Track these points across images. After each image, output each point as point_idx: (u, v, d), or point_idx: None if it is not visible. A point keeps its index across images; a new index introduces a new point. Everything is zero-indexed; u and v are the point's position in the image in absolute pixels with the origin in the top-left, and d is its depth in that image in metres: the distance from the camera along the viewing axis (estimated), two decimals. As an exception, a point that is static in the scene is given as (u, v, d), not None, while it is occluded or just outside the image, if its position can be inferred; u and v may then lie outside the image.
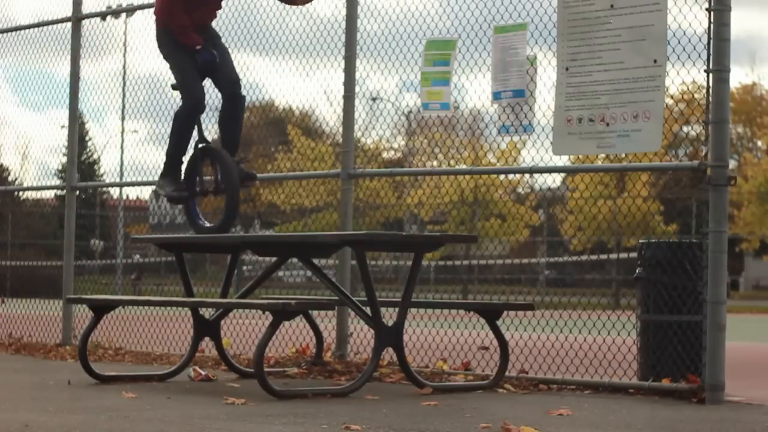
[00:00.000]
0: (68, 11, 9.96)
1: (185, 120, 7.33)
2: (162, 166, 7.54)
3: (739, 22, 69.96)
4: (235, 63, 7.47)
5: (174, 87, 7.50)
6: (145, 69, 10.25)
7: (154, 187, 7.93)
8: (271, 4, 8.63)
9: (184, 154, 7.47)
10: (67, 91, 9.89)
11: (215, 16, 7.53)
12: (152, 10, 9.31)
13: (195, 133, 7.45)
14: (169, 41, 7.32)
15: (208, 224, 7.55)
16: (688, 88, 7.01)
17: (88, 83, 10.06)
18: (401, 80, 8.28)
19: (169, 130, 7.46)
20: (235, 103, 7.37)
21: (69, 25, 9.97)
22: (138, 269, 29.55)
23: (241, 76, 7.47)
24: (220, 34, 7.61)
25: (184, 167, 7.52)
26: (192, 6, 7.29)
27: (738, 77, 55.67)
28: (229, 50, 7.54)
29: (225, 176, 7.29)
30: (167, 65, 7.44)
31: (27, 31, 10.61)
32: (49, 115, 11.51)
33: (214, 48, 7.34)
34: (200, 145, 7.47)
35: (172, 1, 7.24)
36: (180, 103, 7.36)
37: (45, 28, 10.35)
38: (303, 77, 8.54)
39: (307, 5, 7.59)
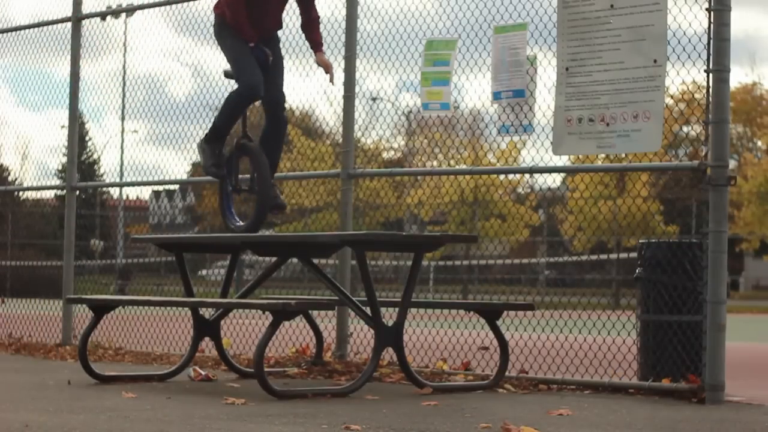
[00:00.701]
0: (68, 11, 9.95)
1: (237, 102, 7.24)
2: (205, 135, 7.41)
3: (739, 22, 69.94)
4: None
5: (227, 74, 7.39)
6: (145, 69, 10.25)
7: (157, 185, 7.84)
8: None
9: (228, 132, 7.40)
10: (67, 91, 9.88)
11: (279, 24, 7.45)
12: (152, 10, 9.34)
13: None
14: (228, 32, 7.27)
15: (240, 222, 7.44)
16: (688, 88, 7.02)
17: (88, 83, 10.06)
18: (401, 80, 8.29)
19: (168, 130, 7.46)
20: (277, 125, 7.38)
21: (67, 25, 9.97)
22: (123, 272, 28.94)
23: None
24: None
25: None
26: (253, 2, 7.23)
27: (738, 77, 55.68)
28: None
29: (259, 178, 7.24)
30: (223, 56, 7.35)
31: (26, 30, 10.60)
32: (48, 115, 11.52)
33: (273, 63, 7.29)
34: (241, 141, 7.41)
35: None
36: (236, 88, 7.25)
37: (44, 27, 10.34)
38: (303, 77, 8.54)
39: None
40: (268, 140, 7.37)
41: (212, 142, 7.37)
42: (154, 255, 32.15)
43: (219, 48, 7.40)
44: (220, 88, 9.11)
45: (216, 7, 7.38)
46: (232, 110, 7.29)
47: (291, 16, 7.57)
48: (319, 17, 7.42)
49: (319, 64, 7.39)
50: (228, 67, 7.35)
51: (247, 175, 7.47)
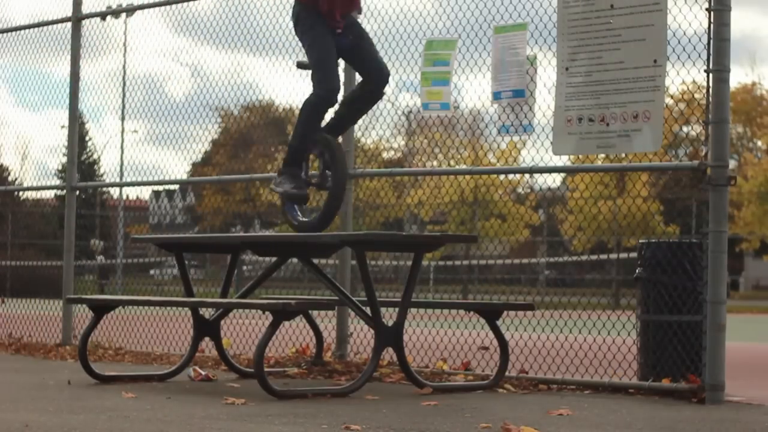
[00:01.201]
0: (68, 11, 9.96)
1: (317, 111, 6.74)
2: (282, 161, 6.97)
3: (739, 22, 69.95)
4: (235, 63, 7.44)
5: (301, 65, 6.98)
6: (144, 69, 10.25)
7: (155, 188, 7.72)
8: (270, 4, 8.64)
9: (308, 148, 6.91)
10: (67, 91, 9.88)
11: (359, 7, 7.04)
12: (150, 10, 9.33)
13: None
14: (313, 19, 6.79)
15: (303, 219, 7.08)
16: (688, 88, 7.02)
17: (88, 83, 10.06)
18: (401, 80, 8.28)
19: (168, 130, 7.36)
20: (376, 96, 6.95)
21: (66, 25, 9.97)
22: (103, 271, 28.45)
23: (240, 76, 7.43)
24: (220, 34, 7.57)
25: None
26: None
27: (738, 77, 55.68)
28: (227, 50, 7.48)
29: (335, 171, 6.85)
30: (302, 45, 6.91)
31: (25, 30, 10.60)
32: (48, 115, 11.52)
33: (359, 37, 6.90)
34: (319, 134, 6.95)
35: None
36: (312, 91, 6.74)
37: (43, 27, 10.34)
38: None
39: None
40: (357, 106, 6.98)
41: (292, 167, 6.88)
42: (153, 255, 32.17)
43: (300, 37, 6.90)
44: (219, 88, 9.11)
45: None
46: (311, 123, 6.75)
47: (285, 16, 7.56)
48: None
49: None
50: (303, 58, 6.97)
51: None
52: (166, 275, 32.55)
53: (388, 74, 6.91)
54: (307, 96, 6.74)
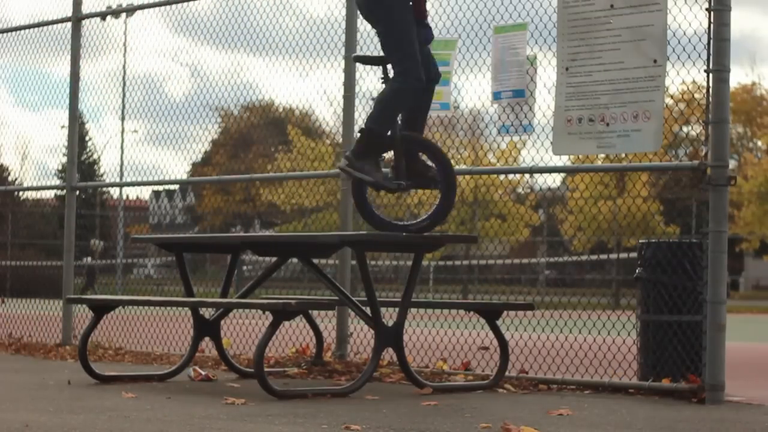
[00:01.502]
0: (68, 11, 9.96)
1: (403, 98, 6.18)
2: (356, 143, 6.29)
3: (739, 22, 69.98)
4: (235, 63, 7.43)
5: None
6: (144, 69, 10.24)
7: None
8: (270, 4, 8.64)
9: (386, 136, 6.26)
10: (67, 91, 9.88)
11: None
12: (152, 10, 9.32)
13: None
14: (400, 3, 6.25)
15: (392, 221, 6.68)
16: (688, 88, 7.02)
17: (87, 83, 10.06)
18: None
19: (166, 130, 7.31)
20: (428, 100, 6.50)
21: (65, 24, 9.97)
22: (89, 274, 27.46)
23: (240, 76, 7.43)
24: (219, 34, 7.57)
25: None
26: None
27: (738, 77, 55.69)
28: (227, 50, 7.46)
29: (442, 170, 6.46)
30: (380, 30, 6.32)
31: (24, 30, 10.61)
32: (47, 115, 11.52)
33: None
34: (404, 133, 6.41)
35: None
36: (398, 78, 6.20)
37: (42, 27, 10.35)
38: (303, 77, 8.54)
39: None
40: (418, 109, 6.44)
41: (372, 154, 6.21)
42: (153, 255, 32.17)
43: (377, 21, 6.30)
44: (219, 87, 9.11)
45: None
46: (397, 107, 6.18)
47: (284, 16, 7.57)
48: None
49: None
50: (361, 52, 6.61)
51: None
52: (142, 275, 32.66)
53: (439, 76, 6.59)
54: (390, 84, 6.24)
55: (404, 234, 6.60)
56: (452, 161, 6.71)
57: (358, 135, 6.36)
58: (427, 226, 6.55)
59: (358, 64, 7.85)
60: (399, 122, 6.35)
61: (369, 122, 6.20)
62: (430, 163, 6.51)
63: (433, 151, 6.53)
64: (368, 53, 7.44)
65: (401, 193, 6.63)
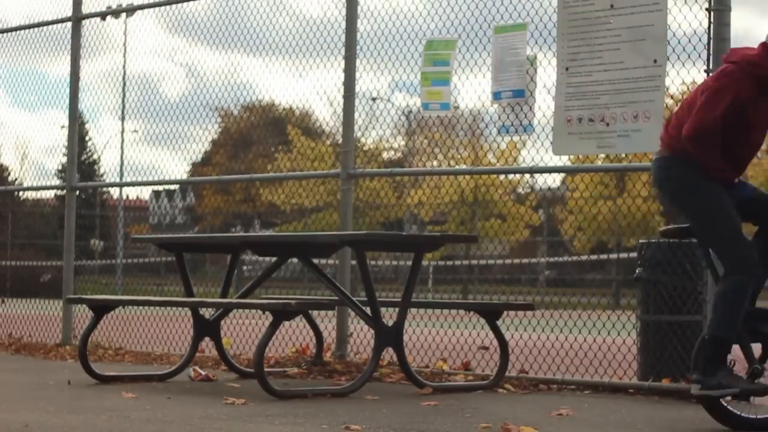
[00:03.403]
0: (68, 11, 9.95)
1: (742, 295, 5.06)
2: (706, 359, 5.09)
3: (734, 23, 69.78)
4: (234, 63, 7.43)
5: (669, 234, 5.51)
6: (144, 69, 10.25)
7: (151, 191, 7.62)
8: (270, 4, 8.64)
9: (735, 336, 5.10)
10: (67, 91, 9.88)
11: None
12: (152, 10, 9.32)
13: None
14: (698, 176, 5.14)
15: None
16: (688, 88, 7.01)
17: (87, 83, 10.05)
18: (401, 80, 8.28)
19: (166, 130, 7.30)
20: None
21: (64, 24, 9.97)
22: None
23: (240, 76, 7.43)
24: (219, 34, 7.56)
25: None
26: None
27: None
28: (227, 50, 7.47)
29: None
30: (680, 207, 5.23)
31: (24, 30, 10.61)
32: (46, 115, 11.51)
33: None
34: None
35: (713, 123, 5.03)
36: (728, 273, 5.09)
37: (42, 27, 10.35)
38: (303, 77, 8.54)
39: None
40: None
41: (722, 361, 5.06)
42: (154, 255, 32.17)
43: (681, 201, 5.20)
44: (219, 88, 9.11)
45: (676, 141, 5.16)
46: (737, 309, 5.06)
47: (284, 16, 7.57)
48: None
49: None
50: (362, 56, 6.39)
51: None
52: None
53: None
54: (724, 281, 5.12)
55: (404, 234, 6.62)
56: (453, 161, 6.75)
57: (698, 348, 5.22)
58: None
59: (357, 65, 7.86)
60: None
61: (712, 329, 5.10)
62: None
63: None
64: (368, 53, 7.46)
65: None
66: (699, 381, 5.07)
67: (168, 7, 9.33)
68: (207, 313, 7.36)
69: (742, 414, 5.15)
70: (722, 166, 5.13)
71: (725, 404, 5.18)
